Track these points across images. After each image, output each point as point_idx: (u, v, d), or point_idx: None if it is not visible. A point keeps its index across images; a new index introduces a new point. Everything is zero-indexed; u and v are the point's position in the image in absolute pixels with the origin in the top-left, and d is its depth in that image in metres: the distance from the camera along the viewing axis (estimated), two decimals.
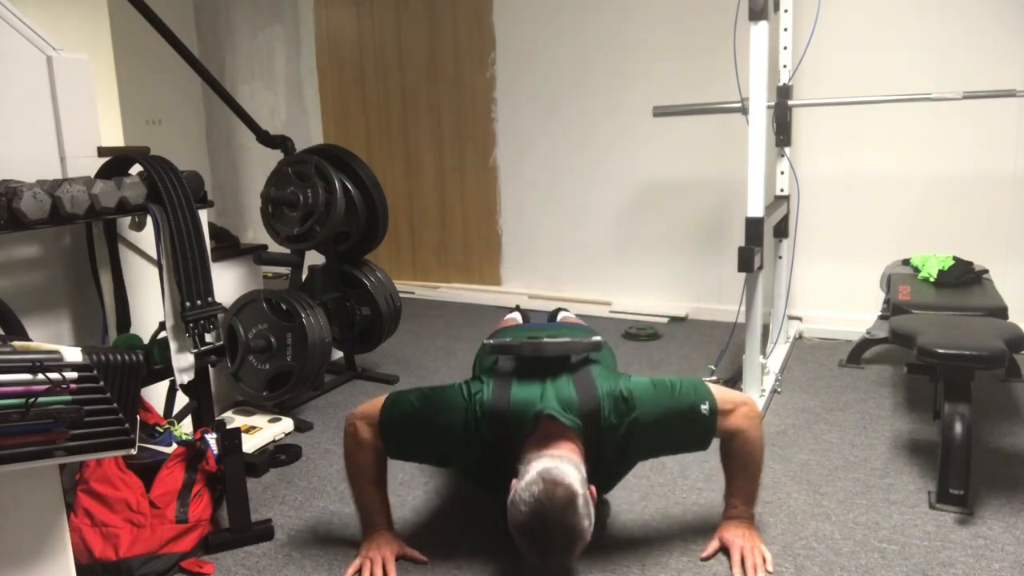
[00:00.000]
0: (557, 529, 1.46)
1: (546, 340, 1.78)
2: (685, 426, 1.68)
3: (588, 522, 1.50)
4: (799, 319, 3.56)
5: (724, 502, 1.82)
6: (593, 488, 1.56)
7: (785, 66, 3.03)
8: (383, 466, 1.79)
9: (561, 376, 1.71)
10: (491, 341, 1.81)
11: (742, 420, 1.70)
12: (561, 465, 1.51)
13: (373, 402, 1.77)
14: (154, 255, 2.05)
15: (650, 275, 3.98)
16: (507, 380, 1.72)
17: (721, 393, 1.72)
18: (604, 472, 1.72)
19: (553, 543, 1.48)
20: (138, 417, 1.28)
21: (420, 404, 1.73)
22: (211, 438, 1.94)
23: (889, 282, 2.92)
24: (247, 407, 2.68)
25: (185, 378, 1.98)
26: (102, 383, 1.21)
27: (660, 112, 3.12)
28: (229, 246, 2.93)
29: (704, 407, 1.68)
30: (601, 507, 1.80)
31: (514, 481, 1.55)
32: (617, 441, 1.67)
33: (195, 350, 1.95)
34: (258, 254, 2.86)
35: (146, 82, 4.75)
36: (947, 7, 3.16)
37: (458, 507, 2.05)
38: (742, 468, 1.76)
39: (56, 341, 1.87)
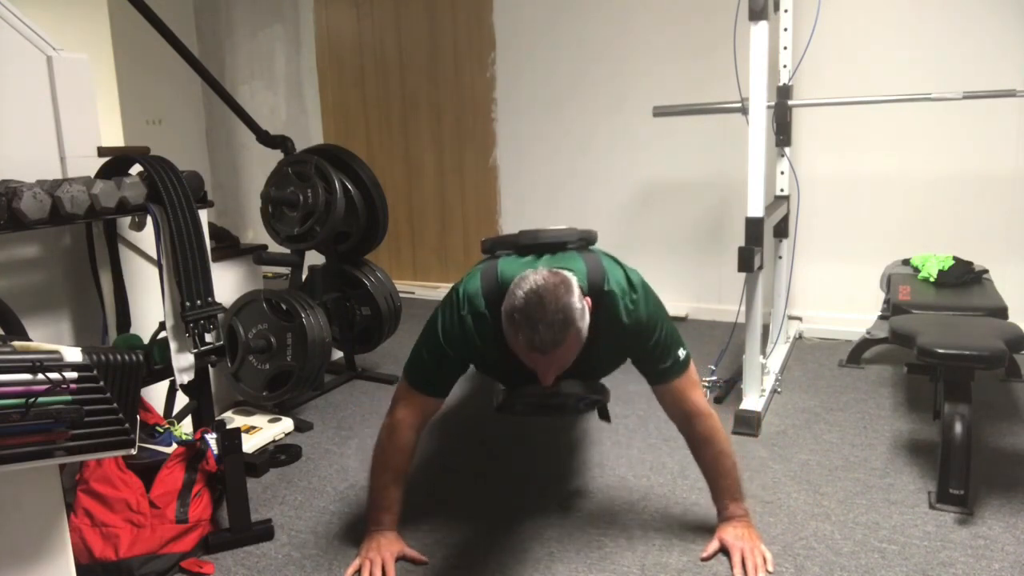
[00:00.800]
0: (552, 303, 1.45)
1: (543, 229, 1.78)
2: (662, 349, 1.71)
3: (582, 318, 1.49)
4: (799, 319, 3.56)
5: (714, 505, 1.83)
6: (588, 299, 1.55)
7: (785, 66, 3.03)
8: (408, 462, 1.79)
9: (559, 253, 1.71)
10: (487, 239, 1.83)
11: (705, 407, 1.77)
12: (559, 271, 1.53)
13: (396, 388, 1.82)
14: (154, 255, 2.05)
15: (650, 275, 3.93)
16: (494, 263, 1.71)
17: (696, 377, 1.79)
18: (599, 356, 1.70)
19: (547, 316, 1.45)
20: (138, 417, 1.28)
21: (431, 342, 1.73)
22: (211, 438, 1.94)
23: (889, 282, 2.92)
24: (247, 407, 2.68)
25: (185, 378, 1.98)
26: (102, 383, 1.21)
27: (660, 112, 3.12)
28: (229, 246, 2.93)
29: (681, 352, 1.73)
30: (600, 392, 1.78)
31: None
32: (615, 320, 1.65)
33: (195, 350, 1.95)
34: (258, 254, 2.86)
35: (146, 82, 4.75)
36: (947, 7, 3.16)
37: (458, 507, 2.05)
38: (716, 461, 1.78)
39: (56, 341, 1.87)
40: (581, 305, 1.50)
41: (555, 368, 1.55)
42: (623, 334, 1.68)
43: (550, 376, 1.57)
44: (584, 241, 1.80)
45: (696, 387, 1.77)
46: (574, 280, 1.52)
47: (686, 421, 1.78)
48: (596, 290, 1.63)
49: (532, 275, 1.51)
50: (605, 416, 1.96)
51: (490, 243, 1.84)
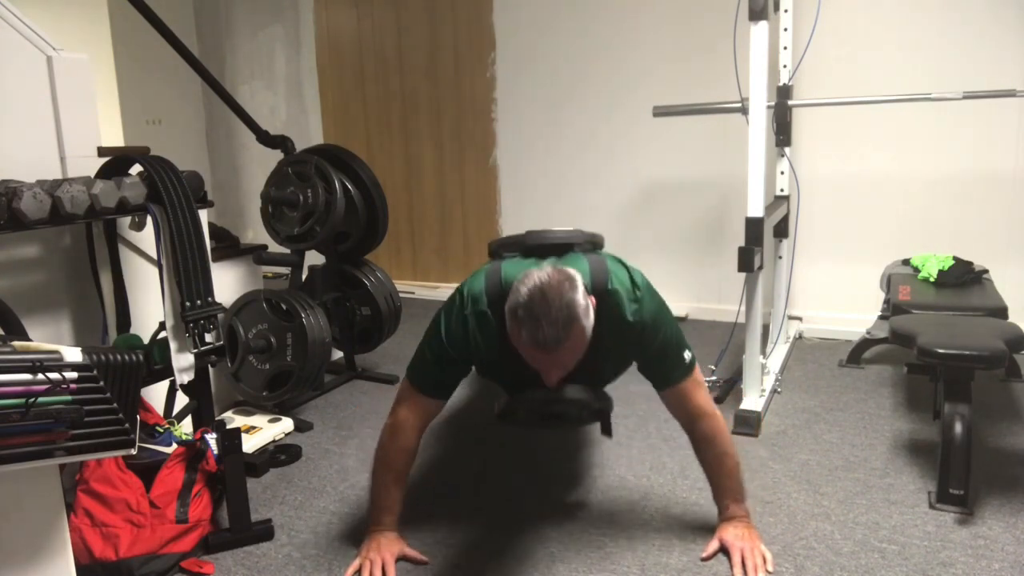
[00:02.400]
0: (556, 299, 1.44)
1: (549, 231, 1.78)
2: (667, 352, 1.71)
3: (587, 315, 1.49)
4: (799, 319, 3.56)
5: (716, 504, 1.83)
6: (593, 298, 1.55)
7: (785, 66, 3.03)
8: (410, 463, 1.79)
9: (567, 256, 1.71)
10: (494, 241, 1.83)
11: (710, 406, 1.76)
12: (564, 268, 1.53)
13: (397, 392, 1.81)
14: (154, 255, 2.05)
15: (650, 275, 3.93)
16: (498, 265, 1.71)
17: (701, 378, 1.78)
18: (604, 360, 1.70)
19: (551, 312, 1.44)
20: (138, 417, 1.28)
21: (435, 343, 1.73)
22: (211, 438, 1.94)
23: (889, 282, 2.92)
24: (247, 407, 2.68)
25: (185, 378, 1.98)
26: (102, 383, 1.21)
27: (660, 112, 3.12)
28: (229, 246, 2.93)
29: (687, 355, 1.73)
30: (604, 400, 1.76)
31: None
32: (619, 320, 1.64)
33: (195, 350, 1.95)
34: (258, 254, 2.86)
35: (146, 82, 4.75)
36: (947, 7, 3.16)
37: (459, 507, 2.05)
38: (719, 462, 1.77)
39: (56, 341, 1.87)
40: (585, 303, 1.50)
41: (559, 368, 1.54)
42: (628, 335, 1.67)
43: (554, 377, 1.56)
44: (590, 244, 1.79)
45: (701, 388, 1.77)
46: (579, 278, 1.52)
47: (690, 422, 1.78)
48: (600, 290, 1.63)
49: (536, 272, 1.50)
50: (607, 431, 1.95)
51: (496, 245, 1.83)
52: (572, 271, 1.53)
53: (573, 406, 1.69)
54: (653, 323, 1.68)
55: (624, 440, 2.42)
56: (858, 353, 3.07)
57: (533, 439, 2.46)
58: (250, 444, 2.41)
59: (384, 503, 1.80)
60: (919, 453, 2.24)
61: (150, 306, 2.21)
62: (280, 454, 2.38)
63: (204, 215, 2.18)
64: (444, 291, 4.58)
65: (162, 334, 1.99)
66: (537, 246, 1.74)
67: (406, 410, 1.78)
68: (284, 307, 2.53)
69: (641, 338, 1.69)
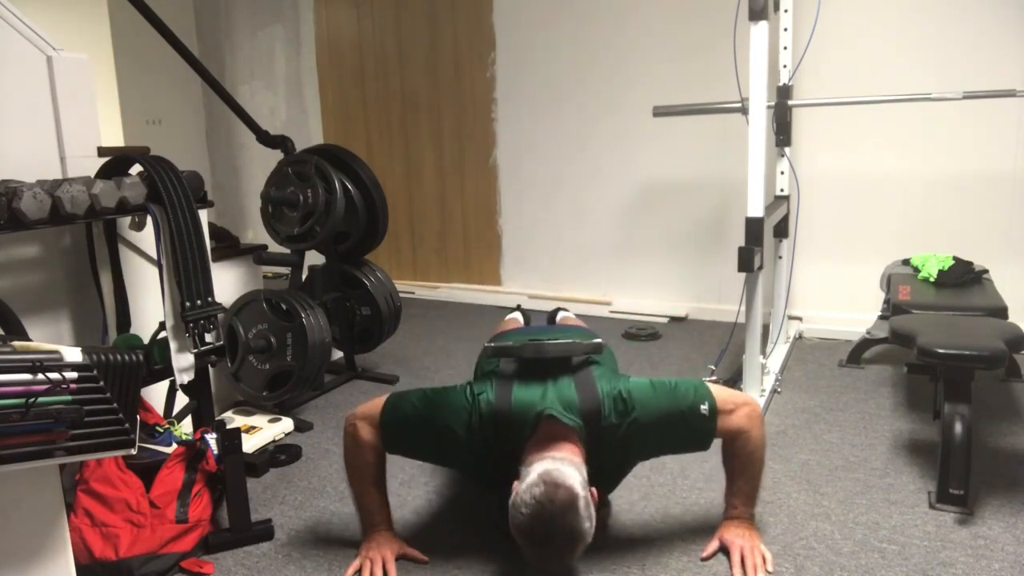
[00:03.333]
0: (559, 531, 1.47)
1: (547, 342, 1.79)
2: (685, 426, 1.68)
3: (589, 524, 1.50)
4: (799, 319, 3.56)
5: (724, 502, 1.82)
6: (595, 490, 1.56)
7: (785, 66, 3.03)
8: (383, 467, 1.79)
9: (562, 377, 1.72)
10: (492, 344, 1.81)
11: (744, 420, 1.71)
12: (562, 467, 1.52)
13: (374, 402, 1.77)
14: (154, 255, 2.05)
15: (650, 275, 3.98)
16: (509, 381, 1.72)
17: (722, 393, 1.72)
18: (605, 473, 1.72)
19: (554, 544, 1.48)
20: (138, 417, 1.28)
21: (422, 405, 1.73)
22: (211, 438, 1.94)
23: (889, 282, 2.92)
24: (247, 407, 2.68)
25: (185, 378, 1.98)
26: (102, 383, 1.21)
27: (660, 112, 3.12)
28: (229, 246, 2.93)
29: (704, 407, 1.68)
30: (602, 508, 1.81)
31: (515, 483, 1.55)
32: (618, 441, 1.68)
33: (195, 350, 1.95)
34: (258, 254, 2.86)
35: (146, 82, 4.75)
36: (947, 7, 3.16)
37: (458, 507, 2.05)
38: (743, 469, 1.76)
39: (56, 341, 1.87)
40: (587, 511, 1.50)
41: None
42: (633, 443, 1.69)
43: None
44: (590, 350, 1.79)
45: (728, 412, 1.70)
46: (579, 486, 1.49)
47: (731, 443, 1.75)
48: (592, 421, 1.65)
49: (536, 488, 1.48)
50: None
51: (493, 349, 1.80)
52: (573, 483, 1.49)
53: None
54: (656, 420, 1.67)
55: None
56: (858, 353, 3.07)
57: None
58: (250, 444, 2.41)
59: (371, 506, 1.80)
60: (919, 453, 2.24)
61: (150, 306, 2.21)
62: (280, 454, 2.38)
63: (204, 215, 2.18)
64: (444, 291, 4.59)
65: (162, 334, 1.99)
66: (534, 360, 1.75)
67: (368, 431, 1.74)
68: (284, 307, 2.53)
69: (649, 438, 1.69)
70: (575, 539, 1.49)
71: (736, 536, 1.75)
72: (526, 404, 1.65)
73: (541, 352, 1.76)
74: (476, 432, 1.68)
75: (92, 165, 2.09)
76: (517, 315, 2.78)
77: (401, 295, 3.15)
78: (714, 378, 2.80)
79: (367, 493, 1.79)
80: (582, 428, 1.64)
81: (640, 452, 1.76)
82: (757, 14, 2.31)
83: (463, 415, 1.69)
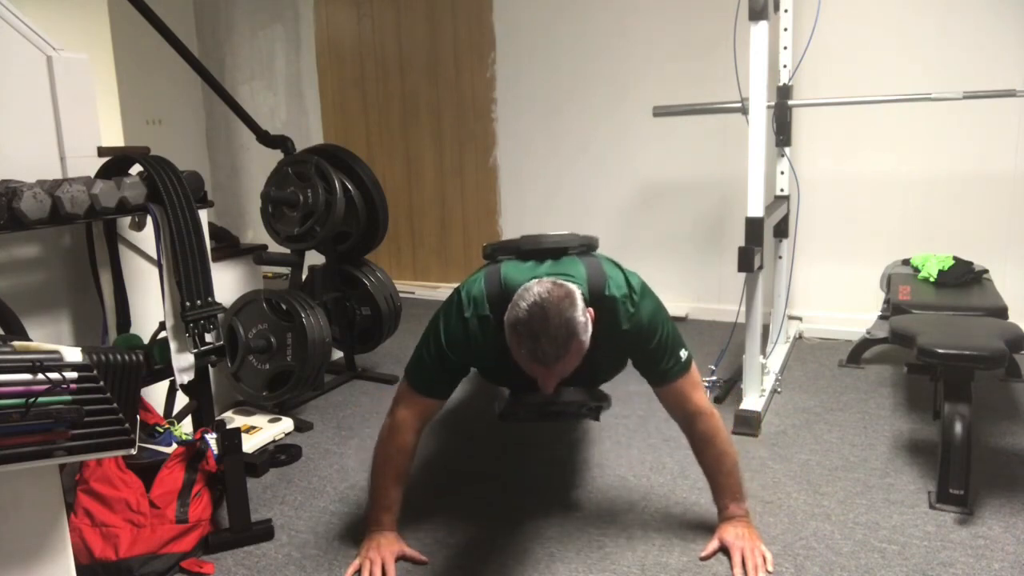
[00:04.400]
0: (555, 317, 1.47)
1: (544, 234, 1.79)
2: (663, 352, 1.71)
3: (584, 321, 1.51)
4: (799, 319, 3.56)
5: (715, 505, 1.83)
6: (591, 310, 1.56)
7: (785, 66, 3.03)
8: (410, 461, 1.80)
9: (563, 258, 1.72)
10: (488, 244, 1.84)
11: (707, 404, 1.77)
12: (563, 280, 1.55)
13: (397, 389, 1.81)
14: (154, 255, 2.05)
15: (649, 275, 3.92)
16: (497, 267, 1.72)
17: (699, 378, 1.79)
18: (602, 359, 1.71)
19: (550, 330, 1.47)
20: (138, 417, 1.28)
21: (434, 344, 1.73)
22: (211, 438, 1.95)
23: (889, 282, 2.92)
24: (247, 407, 2.68)
25: (185, 378, 1.98)
26: (102, 383, 1.21)
27: (660, 112, 3.12)
28: (229, 246, 2.93)
29: (683, 353, 1.74)
30: (602, 400, 1.79)
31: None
32: (615, 324, 1.66)
33: (195, 350, 1.95)
34: (258, 254, 2.86)
35: (146, 82, 4.74)
36: (947, 7, 3.16)
37: (458, 507, 2.05)
38: (718, 461, 1.78)
39: (56, 341, 1.88)
40: (584, 318, 1.52)
41: (556, 377, 1.57)
42: (624, 338, 1.69)
43: (551, 385, 1.59)
44: (585, 247, 1.80)
45: (698, 387, 1.77)
46: (578, 293, 1.53)
47: (688, 421, 1.78)
48: (597, 295, 1.64)
49: (536, 287, 1.51)
50: (596, 418, 1.96)
51: (491, 248, 1.83)
52: (572, 286, 1.53)
53: (571, 407, 1.75)
54: (649, 324, 1.70)
55: (624, 440, 2.42)
56: (858, 353, 3.07)
57: (533, 439, 2.46)
58: (250, 444, 2.40)
59: (384, 503, 1.80)
60: (919, 453, 2.24)
61: (150, 306, 2.21)
62: (280, 454, 2.38)
63: (204, 215, 2.19)
64: (444, 291, 4.58)
65: (162, 334, 1.99)
66: (532, 250, 1.75)
67: (404, 410, 1.78)
68: (284, 307, 2.53)
69: (638, 339, 1.70)
70: (572, 328, 1.48)
71: (736, 536, 1.75)
72: (517, 279, 1.63)
73: (539, 242, 1.76)
74: (478, 330, 1.67)
75: (92, 165, 2.09)
76: None
77: (401, 295, 3.15)
78: (714, 378, 2.80)
79: (386, 488, 1.80)
80: (587, 295, 1.60)
81: (627, 347, 1.74)
82: (757, 14, 2.31)
83: (461, 320, 1.69)
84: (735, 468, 1.79)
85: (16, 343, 1.22)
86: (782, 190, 3.14)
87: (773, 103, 2.96)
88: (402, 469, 1.79)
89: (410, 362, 1.80)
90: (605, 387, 1.82)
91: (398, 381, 1.86)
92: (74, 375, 1.18)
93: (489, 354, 1.70)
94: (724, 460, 1.78)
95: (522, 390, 1.71)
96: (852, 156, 3.42)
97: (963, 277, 2.78)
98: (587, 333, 1.53)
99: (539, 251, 1.74)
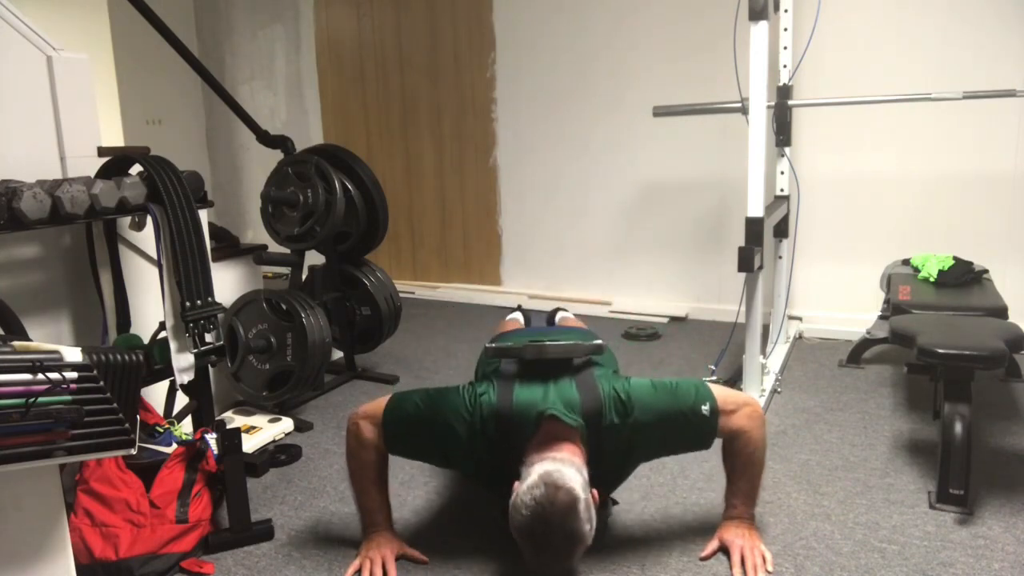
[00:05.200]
0: (558, 533, 1.47)
1: (548, 343, 1.79)
2: (686, 426, 1.69)
3: (589, 526, 1.51)
4: (799, 319, 3.56)
5: (724, 502, 1.82)
6: (595, 492, 1.56)
7: (785, 66, 3.03)
8: (384, 466, 1.79)
9: (563, 378, 1.72)
10: (493, 345, 1.82)
11: (744, 420, 1.71)
12: (563, 468, 1.52)
13: (376, 402, 1.77)
14: (154, 255, 2.05)
15: (650, 275, 3.98)
16: (510, 382, 1.73)
17: (723, 394, 1.73)
18: (606, 474, 1.72)
19: (553, 546, 1.49)
20: (138, 417, 1.28)
21: (424, 405, 1.73)
22: (211, 438, 1.94)
23: (889, 282, 2.92)
24: (247, 407, 2.68)
25: (185, 378, 1.98)
26: (102, 383, 1.21)
27: (660, 112, 3.12)
28: (229, 246, 2.93)
29: (705, 408, 1.68)
30: (603, 509, 1.81)
31: (516, 483, 1.55)
32: (619, 442, 1.68)
33: (195, 350, 1.95)
34: (258, 254, 2.86)
35: (146, 82, 4.74)
36: (947, 7, 3.16)
37: (458, 507, 2.05)
38: (743, 469, 1.76)
39: (56, 341, 1.88)
40: (588, 515, 1.50)
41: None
42: (634, 443, 1.69)
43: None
44: (592, 351, 1.79)
45: (729, 413, 1.71)
46: (582, 493, 1.50)
47: (731, 442, 1.75)
48: (593, 421, 1.66)
49: (538, 491, 1.48)
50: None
51: (494, 351, 1.81)
52: (576, 491, 1.49)
53: None
54: (657, 420, 1.68)
55: None
56: (858, 353, 3.07)
57: None
58: (250, 444, 2.40)
59: (371, 505, 1.80)
60: (919, 453, 2.24)
61: (150, 306, 2.21)
62: (280, 454, 2.38)
63: (204, 215, 2.19)
64: (444, 291, 4.59)
65: (162, 334, 1.99)
66: (536, 361, 1.75)
67: (369, 428, 1.74)
68: (284, 307, 2.53)
69: (650, 438, 1.70)
70: (574, 542, 1.49)
71: (736, 536, 1.75)
72: (528, 404, 1.66)
73: (543, 353, 1.76)
74: (478, 432, 1.68)
75: (92, 165, 2.08)
76: (517, 315, 2.78)
77: (401, 295, 3.15)
78: (714, 378, 2.80)
79: (368, 492, 1.80)
80: (584, 428, 1.64)
81: (642, 453, 1.76)
82: (757, 14, 2.31)
83: (464, 415, 1.69)
84: (759, 476, 1.78)
85: (16, 343, 1.22)
86: (782, 190, 3.14)
87: (773, 103, 2.96)
88: (379, 474, 1.78)
89: (399, 398, 1.76)
90: None
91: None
92: (74, 375, 1.18)
93: (480, 465, 1.73)
94: (751, 467, 1.76)
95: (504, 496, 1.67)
96: (852, 156, 3.42)
97: (963, 277, 2.78)
98: (591, 525, 1.51)
99: (543, 362, 1.75)
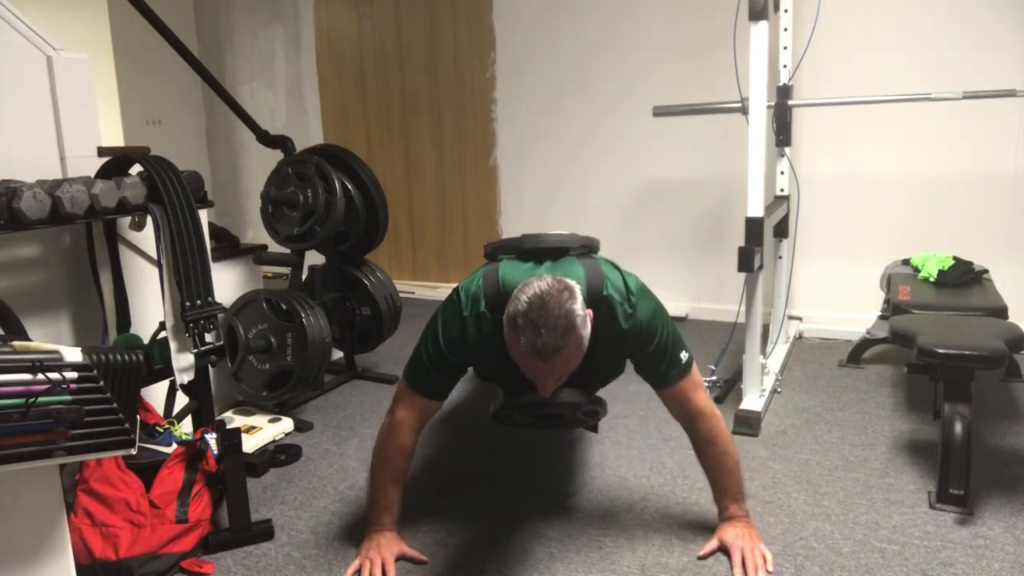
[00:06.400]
0: (555, 308, 1.46)
1: (545, 233, 1.79)
2: (663, 354, 1.71)
3: (583, 316, 1.50)
4: (799, 319, 3.56)
5: (716, 504, 1.83)
6: (590, 312, 1.56)
7: (785, 66, 3.03)
8: (406, 465, 1.80)
9: (563, 260, 1.72)
10: (489, 243, 1.83)
11: (705, 403, 1.76)
12: (563, 278, 1.54)
13: (396, 389, 1.81)
14: (154, 255, 2.05)
15: (650, 275, 3.92)
16: (496, 267, 1.72)
17: (700, 380, 1.78)
18: (602, 362, 1.71)
19: (550, 320, 1.45)
20: (138, 417, 1.28)
21: (431, 344, 1.73)
22: (211, 438, 1.95)
23: (889, 282, 2.92)
24: (247, 407, 2.68)
25: (185, 378, 1.98)
26: (102, 383, 1.21)
27: (660, 112, 3.12)
28: (229, 246, 2.93)
29: (683, 355, 1.73)
30: (599, 408, 1.79)
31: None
32: (613, 326, 1.66)
33: (195, 350, 1.95)
34: (258, 254, 2.86)
35: (146, 82, 4.74)
36: (947, 7, 3.16)
37: (458, 507, 2.05)
38: (719, 463, 1.77)
39: (56, 341, 1.88)
40: (583, 313, 1.51)
41: (554, 377, 1.56)
42: (622, 340, 1.68)
43: (549, 386, 1.57)
44: (586, 248, 1.80)
45: (699, 388, 1.77)
46: (577, 289, 1.53)
47: (690, 422, 1.78)
48: (595, 296, 1.64)
49: (536, 281, 1.51)
50: (594, 428, 1.95)
51: (492, 247, 1.84)
52: (571, 282, 1.53)
53: (567, 409, 1.73)
54: (648, 326, 1.69)
55: (624, 440, 2.42)
56: (858, 353, 3.07)
57: (532, 439, 2.46)
58: (250, 444, 2.40)
59: (383, 503, 1.80)
60: (919, 453, 2.24)
61: (150, 306, 2.21)
62: (280, 454, 2.38)
63: (204, 215, 2.19)
64: (444, 291, 4.57)
65: (162, 334, 1.99)
66: (533, 249, 1.75)
67: (403, 410, 1.78)
68: (284, 307, 2.53)
69: (637, 342, 1.70)
70: (571, 319, 1.47)
71: (736, 536, 1.75)
72: (515, 279, 1.62)
73: (539, 242, 1.75)
74: (476, 330, 1.67)
75: (92, 165, 2.08)
76: None
77: (401, 295, 3.15)
78: (714, 378, 2.80)
79: (384, 488, 1.79)
80: (585, 296, 1.58)
81: (628, 350, 1.74)
82: (757, 14, 2.31)
83: (459, 319, 1.69)
84: (736, 469, 1.79)
85: (16, 343, 1.22)
86: (782, 190, 3.14)
87: (773, 103, 2.96)
88: (401, 469, 1.80)
89: (409, 362, 1.80)
90: (602, 393, 1.82)
91: (399, 381, 1.86)
92: (74, 375, 1.18)
93: (486, 353, 1.70)
94: (725, 461, 1.78)
95: (518, 391, 1.70)
96: (852, 156, 3.42)
97: (963, 277, 2.78)
98: (586, 328, 1.52)
99: (539, 251, 1.74)
